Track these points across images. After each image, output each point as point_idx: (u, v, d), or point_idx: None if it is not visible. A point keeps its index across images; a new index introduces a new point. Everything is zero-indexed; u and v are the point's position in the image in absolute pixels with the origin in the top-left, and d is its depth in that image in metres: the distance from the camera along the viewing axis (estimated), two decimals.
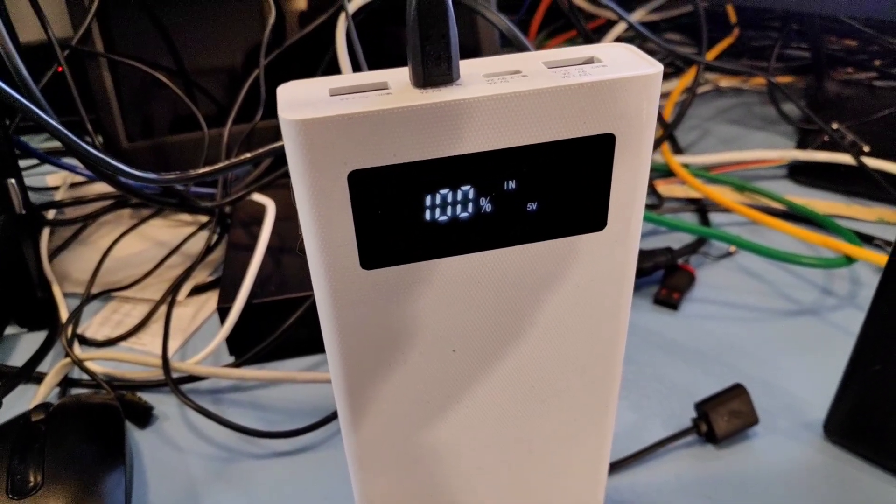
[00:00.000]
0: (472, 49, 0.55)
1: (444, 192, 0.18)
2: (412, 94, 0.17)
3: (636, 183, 0.20)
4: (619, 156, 0.19)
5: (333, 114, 0.16)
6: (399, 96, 0.17)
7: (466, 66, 0.19)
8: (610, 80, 0.18)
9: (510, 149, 0.18)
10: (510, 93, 0.17)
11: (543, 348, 0.22)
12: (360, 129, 0.17)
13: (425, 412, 0.23)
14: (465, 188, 0.18)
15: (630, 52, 0.19)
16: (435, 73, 0.17)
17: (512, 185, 0.19)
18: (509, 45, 0.44)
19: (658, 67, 0.18)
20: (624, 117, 0.18)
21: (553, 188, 0.19)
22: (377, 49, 0.53)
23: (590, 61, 0.19)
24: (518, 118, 0.18)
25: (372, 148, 0.17)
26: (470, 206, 0.19)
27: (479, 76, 0.18)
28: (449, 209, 0.19)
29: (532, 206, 0.19)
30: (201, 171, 0.28)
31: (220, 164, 0.28)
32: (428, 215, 0.19)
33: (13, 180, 0.43)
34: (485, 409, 0.23)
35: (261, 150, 0.28)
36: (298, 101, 0.17)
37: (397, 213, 0.18)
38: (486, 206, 0.19)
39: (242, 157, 0.28)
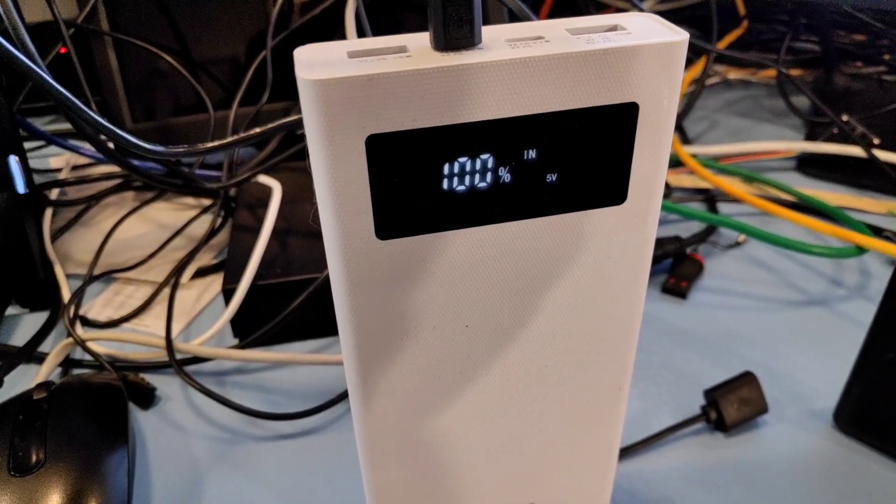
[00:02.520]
0: None
1: (462, 160, 0.18)
2: (433, 56, 0.17)
3: (658, 156, 0.19)
4: (641, 126, 0.19)
5: (352, 74, 0.16)
6: (419, 59, 0.17)
7: (488, 31, 0.18)
8: (635, 47, 0.17)
9: (531, 116, 0.18)
10: (533, 57, 0.17)
11: (558, 325, 0.22)
12: (379, 90, 0.16)
13: (436, 389, 0.22)
14: (484, 157, 0.18)
15: (654, 20, 0.19)
16: (456, 35, 0.17)
17: (532, 154, 0.18)
18: None
19: (684, 35, 0.18)
20: (648, 86, 0.18)
21: (574, 159, 0.19)
22: (386, 32, 0.52)
23: (613, 29, 0.19)
24: (540, 84, 0.17)
25: (391, 111, 0.17)
26: (489, 175, 0.18)
27: (500, 41, 0.18)
28: (467, 178, 0.18)
29: (552, 178, 0.19)
30: (210, 144, 0.27)
31: (230, 139, 0.27)
32: (446, 184, 0.18)
33: (17, 158, 0.42)
34: (497, 388, 0.23)
35: (270, 126, 0.27)
36: (316, 62, 0.17)
37: (415, 182, 0.18)
38: (506, 176, 0.19)
39: (252, 132, 0.27)
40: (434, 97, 0.17)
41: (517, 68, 0.17)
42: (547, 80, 0.17)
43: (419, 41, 0.18)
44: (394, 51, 0.17)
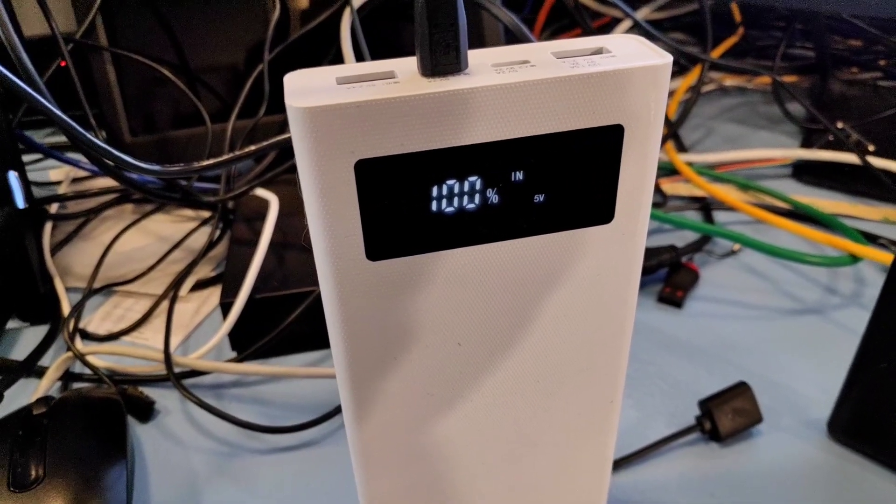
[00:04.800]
0: (477, 45, 0.55)
1: (450, 182, 0.18)
2: (420, 82, 0.17)
3: (644, 175, 0.20)
4: (627, 147, 0.19)
5: (341, 101, 0.16)
6: (406, 85, 0.17)
7: (474, 56, 0.18)
8: (619, 70, 0.18)
9: (518, 139, 0.18)
10: (518, 82, 0.17)
11: (549, 342, 0.22)
12: (367, 117, 0.17)
13: (429, 406, 0.23)
14: (472, 179, 0.18)
15: (639, 43, 0.19)
16: (443, 61, 0.17)
17: (519, 176, 0.19)
18: (514, 41, 0.43)
19: (668, 58, 0.18)
20: (633, 108, 0.18)
21: (560, 180, 0.19)
22: (381, 46, 0.53)
23: (599, 52, 0.19)
24: (526, 108, 0.18)
25: (379, 137, 0.17)
26: (477, 197, 0.19)
27: (487, 65, 0.18)
28: (456, 200, 0.19)
29: (539, 198, 0.19)
30: (206, 163, 0.28)
31: (225, 157, 0.28)
32: (434, 206, 0.18)
33: (16, 173, 0.43)
34: (489, 404, 0.23)
35: (266, 143, 0.28)
36: (305, 88, 0.17)
37: (404, 204, 0.18)
38: (493, 197, 0.19)
39: (247, 150, 0.28)
40: (422, 122, 0.17)
41: (503, 93, 0.17)
42: (533, 105, 0.18)
43: (407, 66, 0.18)
44: (382, 76, 0.18)
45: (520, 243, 0.20)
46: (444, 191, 0.18)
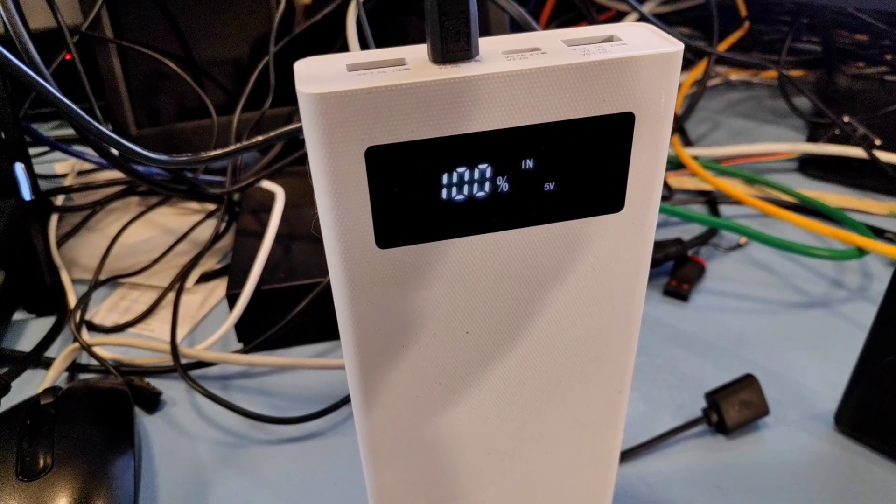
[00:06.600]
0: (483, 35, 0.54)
1: (461, 170, 0.18)
2: (430, 69, 0.17)
3: (655, 164, 0.20)
4: (637, 135, 0.19)
5: (351, 88, 0.16)
6: (417, 72, 0.17)
7: (485, 43, 0.18)
8: (630, 58, 0.18)
9: (528, 127, 0.18)
10: (529, 69, 0.17)
11: (557, 331, 0.22)
12: (378, 103, 0.17)
13: (437, 395, 0.23)
14: (482, 167, 0.18)
15: (650, 31, 0.19)
16: (454, 48, 0.17)
17: (529, 164, 0.19)
18: (520, 32, 0.43)
19: (679, 46, 0.18)
20: (644, 96, 0.18)
21: (571, 168, 0.19)
22: (387, 38, 0.53)
23: (609, 39, 0.19)
24: (537, 95, 0.17)
25: (390, 124, 0.17)
26: (487, 185, 0.19)
27: (497, 53, 0.18)
28: (466, 188, 0.19)
29: (549, 186, 0.19)
30: (213, 153, 0.28)
31: (232, 147, 0.28)
32: (444, 194, 0.18)
33: (22, 165, 0.43)
34: (497, 393, 0.23)
35: (273, 133, 0.28)
36: (316, 75, 0.17)
37: (414, 192, 0.18)
38: (503, 185, 0.19)
39: (254, 140, 0.28)
40: (432, 109, 0.17)
41: (514, 80, 0.17)
42: (543, 92, 0.17)
43: (417, 53, 0.18)
44: (392, 63, 0.18)
45: (529, 232, 0.20)
46: (455, 178, 0.18)
